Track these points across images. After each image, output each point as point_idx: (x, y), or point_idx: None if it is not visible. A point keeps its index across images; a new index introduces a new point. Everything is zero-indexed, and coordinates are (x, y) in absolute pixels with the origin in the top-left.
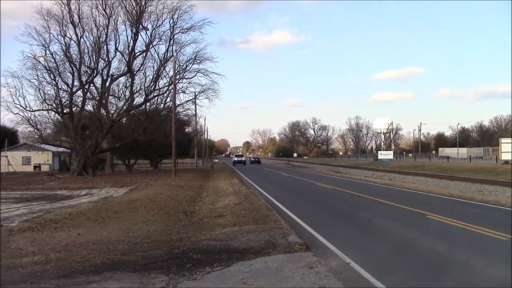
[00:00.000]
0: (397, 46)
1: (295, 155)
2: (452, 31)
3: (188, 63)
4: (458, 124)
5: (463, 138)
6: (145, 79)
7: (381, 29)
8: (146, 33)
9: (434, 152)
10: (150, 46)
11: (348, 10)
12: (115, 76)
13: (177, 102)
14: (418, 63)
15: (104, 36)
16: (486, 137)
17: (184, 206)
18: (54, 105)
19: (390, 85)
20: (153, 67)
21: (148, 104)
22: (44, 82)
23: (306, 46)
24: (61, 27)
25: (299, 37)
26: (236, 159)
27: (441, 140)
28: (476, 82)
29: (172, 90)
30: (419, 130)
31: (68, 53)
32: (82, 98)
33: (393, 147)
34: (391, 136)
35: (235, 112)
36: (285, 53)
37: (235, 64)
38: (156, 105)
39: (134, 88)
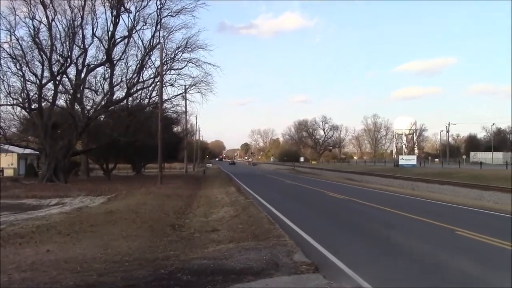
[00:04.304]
0: (424, 33)
1: (301, 159)
2: (488, 15)
3: (177, 51)
4: (493, 124)
5: (499, 141)
6: (127, 69)
7: (406, 14)
8: (129, 16)
9: (464, 157)
10: (133, 32)
11: None
12: (92, 66)
13: (164, 96)
14: (448, 53)
15: (80, 19)
16: None
17: (172, 219)
18: (20, 100)
19: (415, 79)
20: (137, 55)
21: (130, 99)
22: (8, 73)
23: (318, 32)
24: (29, 8)
25: (311, 22)
26: None
27: (473, 143)
28: None
29: (158, 83)
30: (447, 131)
31: (37, 39)
32: (53, 92)
33: (416, 151)
34: (414, 138)
35: (232, 109)
36: (293, 40)
37: (234, 53)
38: (140, 100)
39: (114, 80)
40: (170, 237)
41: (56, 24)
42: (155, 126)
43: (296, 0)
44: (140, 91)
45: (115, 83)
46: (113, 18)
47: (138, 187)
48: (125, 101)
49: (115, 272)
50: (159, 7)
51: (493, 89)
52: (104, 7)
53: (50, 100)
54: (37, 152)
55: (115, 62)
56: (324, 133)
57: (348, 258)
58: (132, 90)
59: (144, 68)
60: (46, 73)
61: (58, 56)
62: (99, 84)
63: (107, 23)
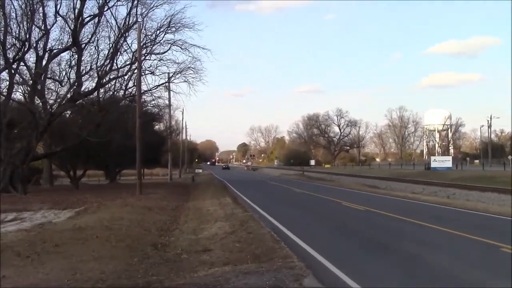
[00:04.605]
0: (461, 7)
1: (312, 162)
2: None
3: (159, 32)
4: None
5: None
6: (98, 55)
7: None
8: None
9: (510, 157)
10: (105, 9)
11: None
12: (55, 51)
13: (144, 87)
14: (491, 31)
15: None
16: None
17: (154, 237)
18: None
19: (450, 63)
20: (109, 38)
21: (102, 90)
22: None
23: (332, 8)
24: None
25: None
26: None
27: None
28: None
29: (136, 71)
30: (489, 127)
31: None
32: (8, 83)
33: (452, 150)
34: (449, 135)
35: (226, 102)
36: (300, 18)
37: (228, 34)
38: (114, 92)
39: (82, 68)
40: (152, 259)
41: (10, 0)
42: (132, 123)
43: None
44: (114, 81)
45: (84, 71)
46: None
47: (113, 198)
48: (95, 93)
49: None
50: None
51: None
52: None
53: (5, 93)
54: None
55: (83, 46)
56: (340, 130)
57: (371, 283)
58: (104, 80)
59: (119, 53)
60: (0, 60)
61: (13, 40)
62: (64, 73)
63: None
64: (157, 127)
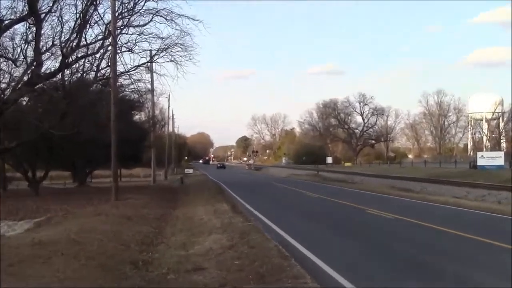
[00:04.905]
0: None
1: (329, 160)
2: None
3: None
4: None
5: None
6: (62, 27)
7: None
8: None
9: None
10: None
11: None
12: (6, 22)
13: (120, 68)
14: None
15: None
16: None
17: (134, 253)
18: None
19: (500, 35)
20: (76, 6)
21: (67, 71)
22: None
23: None
24: None
25: None
26: None
27: None
28: None
29: (110, 47)
30: None
31: None
32: None
33: (504, 144)
34: (501, 125)
35: (222, 86)
36: None
37: (224, 1)
38: (83, 74)
39: (42, 44)
40: (131, 280)
41: None
42: (106, 112)
43: None
44: (83, 60)
45: (44, 48)
46: None
47: (82, 205)
48: (59, 76)
49: None
50: None
51: None
52: None
53: None
54: None
55: (42, 16)
56: (363, 119)
57: None
58: (71, 59)
59: (88, 26)
60: None
61: None
62: (19, 50)
63: None
64: (137, 117)
